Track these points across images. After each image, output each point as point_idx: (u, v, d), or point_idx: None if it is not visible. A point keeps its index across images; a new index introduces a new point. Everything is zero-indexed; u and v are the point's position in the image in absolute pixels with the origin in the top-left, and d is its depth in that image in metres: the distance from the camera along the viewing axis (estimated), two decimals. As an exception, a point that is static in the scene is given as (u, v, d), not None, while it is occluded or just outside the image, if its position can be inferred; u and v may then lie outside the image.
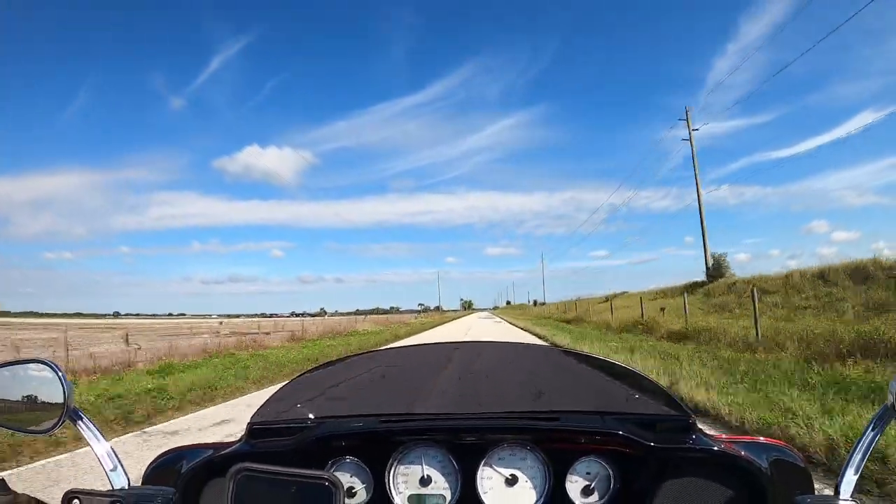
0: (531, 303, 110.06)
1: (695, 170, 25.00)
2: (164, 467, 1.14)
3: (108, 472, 1.00)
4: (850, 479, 0.88)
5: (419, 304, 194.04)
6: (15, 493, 0.85)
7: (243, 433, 1.13)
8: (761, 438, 1.12)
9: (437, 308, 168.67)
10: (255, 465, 0.76)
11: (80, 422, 1.01)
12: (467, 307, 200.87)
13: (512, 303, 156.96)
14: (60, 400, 1.00)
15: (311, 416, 1.15)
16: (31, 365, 1.03)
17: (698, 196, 24.89)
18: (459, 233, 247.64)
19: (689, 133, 25.30)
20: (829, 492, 0.91)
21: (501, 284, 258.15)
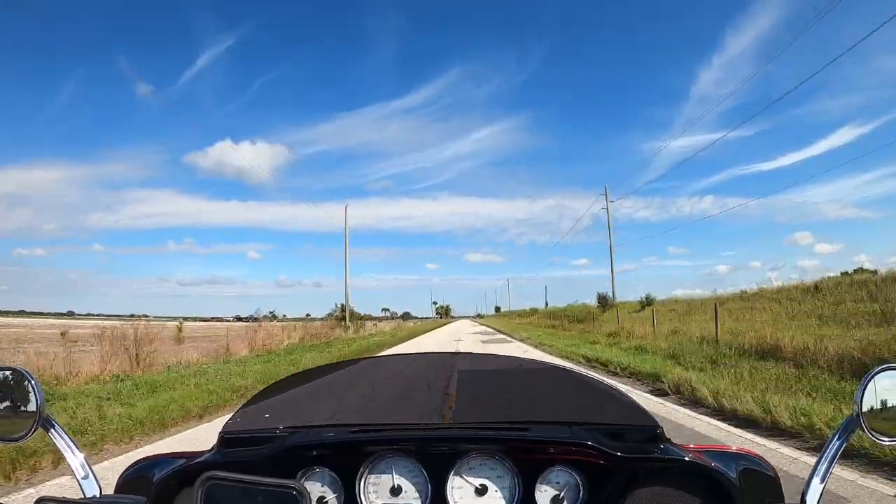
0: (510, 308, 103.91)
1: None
2: (136, 476, 1.13)
3: (80, 481, 1.00)
4: (816, 487, 0.91)
5: (382, 310, 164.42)
6: None
7: (215, 442, 1.14)
8: (731, 448, 1.14)
9: (404, 315, 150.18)
10: (222, 474, 0.77)
11: (52, 430, 1.02)
12: (443, 314, 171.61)
13: (502, 309, 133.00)
14: (33, 408, 1.01)
15: (281, 425, 1.16)
16: (3, 372, 1.03)
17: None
18: (440, 239, 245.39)
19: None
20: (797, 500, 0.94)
21: (481, 291, 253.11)
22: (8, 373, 1.04)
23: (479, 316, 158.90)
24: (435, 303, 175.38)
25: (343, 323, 29.06)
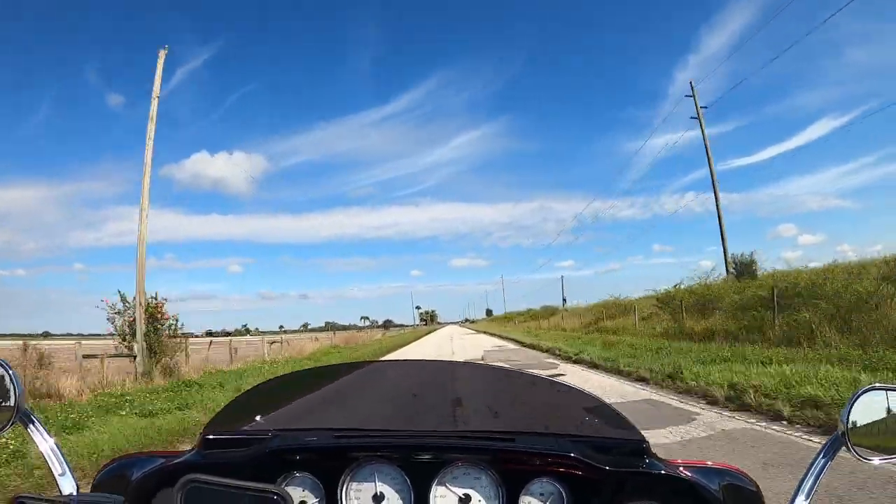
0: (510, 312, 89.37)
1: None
2: (114, 474, 1.12)
3: (57, 477, 0.98)
4: (800, 503, 0.92)
5: (362, 318, 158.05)
6: None
7: (196, 443, 1.12)
8: (714, 463, 1.14)
9: (386, 323, 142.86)
10: (203, 477, 0.76)
11: (31, 425, 1.00)
12: (428, 320, 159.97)
13: (495, 312, 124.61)
14: (11, 401, 0.98)
15: (265, 427, 1.15)
16: None
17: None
18: (424, 245, 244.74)
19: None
20: None
21: (467, 296, 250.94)
22: None
23: (466, 321, 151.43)
24: (418, 308, 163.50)
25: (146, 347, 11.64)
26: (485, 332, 47.08)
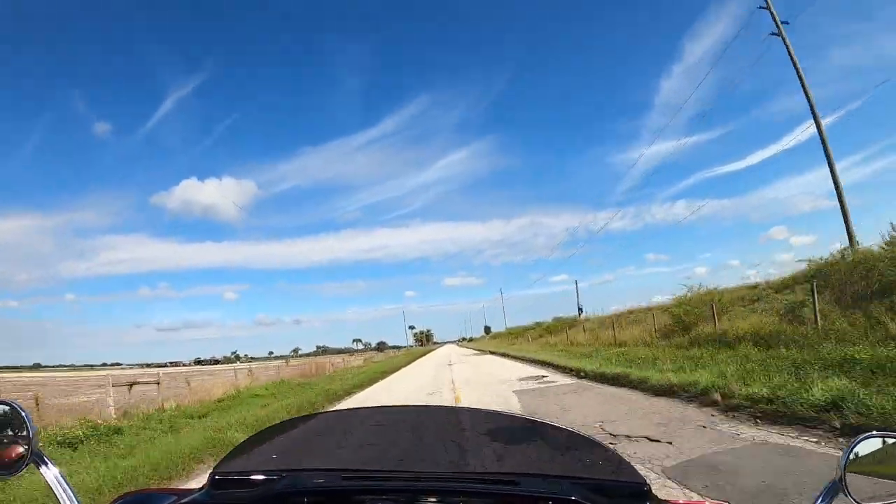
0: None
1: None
2: None
3: None
4: None
5: (354, 341, 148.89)
6: None
7: (206, 482, 1.13)
8: None
9: (380, 346, 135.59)
10: None
11: (43, 466, 1.01)
12: (424, 341, 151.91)
13: (493, 329, 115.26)
14: (25, 442, 1.00)
15: (273, 468, 1.16)
16: None
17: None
18: (416, 266, 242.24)
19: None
20: None
21: (462, 315, 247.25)
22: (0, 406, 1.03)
23: (463, 340, 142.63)
24: (412, 328, 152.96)
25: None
26: (492, 353, 37.64)
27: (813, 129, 15.26)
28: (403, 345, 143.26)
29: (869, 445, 0.98)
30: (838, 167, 15.07)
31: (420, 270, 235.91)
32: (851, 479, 0.95)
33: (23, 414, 1.01)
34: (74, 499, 1.00)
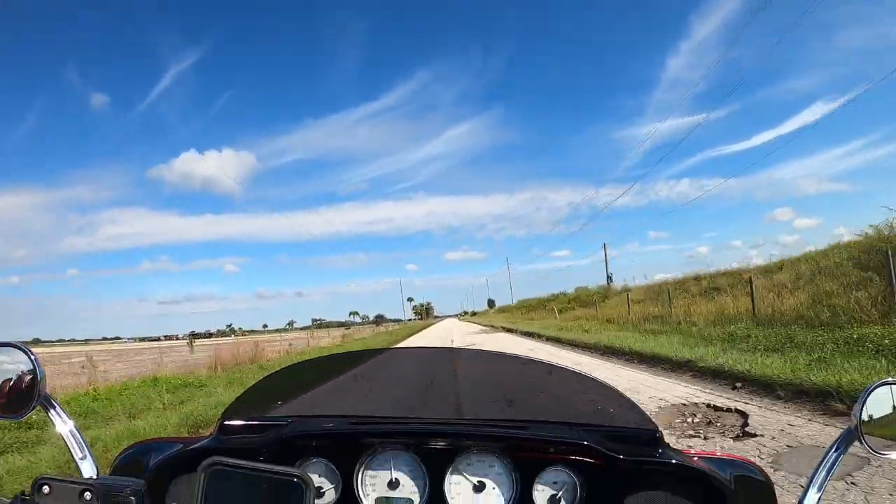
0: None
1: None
2: (133, 459, 1.13)
3: (78, 461, 1.00)
4: (812, 497, 0.92)
5: (350, 313, 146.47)
6: None
7: (214, 428, 1.14)
8: (725, 454, 1.15)
9: (378, 319, 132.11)
10: (226, 460, 0.77)
11: (51, 409, 1.01)
12: (424, 314, 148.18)
13: (498, 302, 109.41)
14: (32, 385, 1.00)
15: (282, 413, 1.16)
16: (3, 349, 1.03)
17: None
18: (419, 240, 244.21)
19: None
20: None
21: (463, 289, 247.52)
22: (7, 349, 1.03)
23: (465, 314, 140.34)
24: (410, 300, 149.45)
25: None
26: (507, 330, 31.70)
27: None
28: (403, 318, 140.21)
29: (881, 394, 0.97)
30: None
31: (422, 244, 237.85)
32: (866, 426, 0.95)
33: (31, 357, 1.01)
34: (82, 440, 1.00)
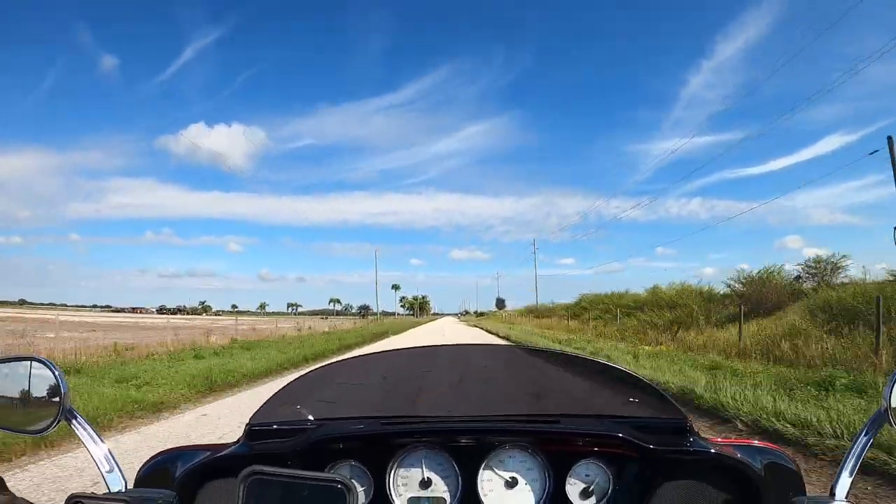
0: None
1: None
2: (158, 469, 1.12)
3: (105, 475, 0.98)
4: (844, 481, 0.91)
5: (331, 301, 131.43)
6: (13, 494, 0.83)
7: (241, 435, 1.12)
8: (755, 442, 1.15)
9: (363, 310, 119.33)
10: (266, 468, 0.76)
11: (75, 422, 1.00)
12: (417, 310, 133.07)
13: (506, 305, 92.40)
14: (56, 399, 0.99)
15: (310, 417, 1.15)
16: (26, 363, 1.01)
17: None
18: (425, 235, 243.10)
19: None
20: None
21: (465, 288, 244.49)
22: (31, 363, 1.02)
23: (465, 313, 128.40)
24: (396, 288, 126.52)
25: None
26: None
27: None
28: (401, 312, 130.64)
29: None
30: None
31: (429, 240, 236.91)
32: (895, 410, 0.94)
33: (56, 372, 1.00)
34: (108, 453, 0.99)
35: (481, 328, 36.18)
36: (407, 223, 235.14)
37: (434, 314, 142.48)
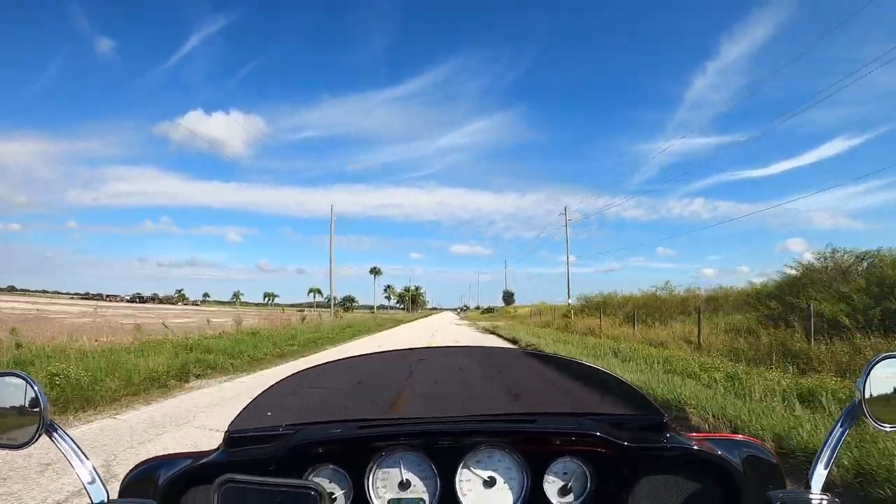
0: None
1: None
2: (141, 478, 1.13)
3: (87, 486, 0.99)
4: (820, 473, 0.93)
5: (310, 291, 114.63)
6: None
7: (221, 442, 1.13)
8: (735, 436, 1.16)
9: (345, 303, 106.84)
10: (239, 476, 0.77)
11: (55, 435, 1.01)
12: (409, 304, 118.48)
13: (514, 300, 78.98)
14: (37, 414, 0.99)
15: (288, 423, 1.16)
16: (5, 378, 1.02)
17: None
18: (426, 229, 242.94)
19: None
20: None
21: (465, 284, 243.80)
22: (11, 378, 1.02)
23: (465, 309, 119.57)
24: (375, 272, 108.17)
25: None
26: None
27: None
28: (385, 304, 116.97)
29: (884, 368, 0.97)
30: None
31: (430, 234, 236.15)
32: (870, 401, 0.95)
33: (35, 387, 1.01)
34: (89, 464, 1.00)
35: (499, 335, 23.51)
36: (409, 216, 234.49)
37: (430, 309, 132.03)
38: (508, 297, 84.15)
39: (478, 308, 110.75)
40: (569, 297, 35.58)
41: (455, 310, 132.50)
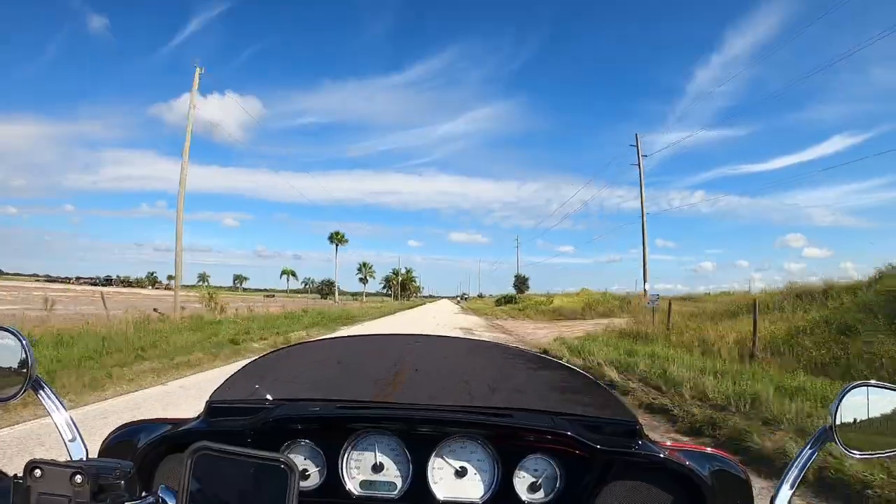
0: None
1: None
2: (121, 440, 1.15)
3: (68, 443, 1.01)
4: (785, 494, 0.94)
5: (282, 273, 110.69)
6: None
7: (202, 411, 1.15)
8: (706, 449, 1.17)
9: (322, 289, 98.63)
10: (212, 445, 0.78)
11: (41, 391, 1.02)
12: (398, 291, 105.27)
13: (529, 286, 64.35)
14: (23, 368, 1.01)
15: (269, 397, 1.18)
16: None
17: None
18: (425, 217, 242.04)
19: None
20: None
21: (464, 272, 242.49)
22: (2, 333, 1.04)
23: (464, 298, 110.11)
24: (362, 266, 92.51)
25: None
26: None
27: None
28: (379, 292, 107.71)
29: (857, 395, 0.99)
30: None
31: (428, 222, 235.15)
32: (840, 427, 0.96)
33: (23, 342, 1.02)
34: (72, 423, 1.02)
35: (509, 328, 19.97)
36: (408, 204, 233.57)
37: (425, 297, 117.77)
38: (521, 284, 66.88)
39: (480, 296, 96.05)
40: (644, 284, 25.16)
41: (454, 298, 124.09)
